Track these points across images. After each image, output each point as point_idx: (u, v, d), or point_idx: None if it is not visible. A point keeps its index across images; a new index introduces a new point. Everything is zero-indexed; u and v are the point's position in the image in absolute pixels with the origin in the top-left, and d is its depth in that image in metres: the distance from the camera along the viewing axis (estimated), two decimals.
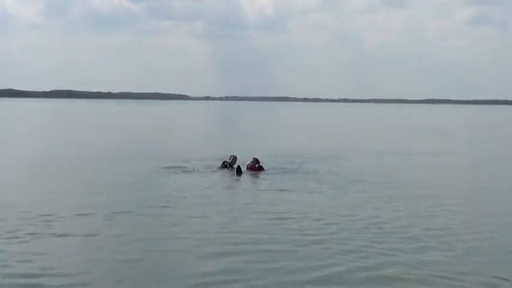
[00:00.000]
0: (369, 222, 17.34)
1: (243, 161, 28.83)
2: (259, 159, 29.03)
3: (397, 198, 21.92)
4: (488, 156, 42.49)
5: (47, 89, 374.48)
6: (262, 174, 27.83)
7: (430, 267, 12.87)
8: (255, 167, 28.61)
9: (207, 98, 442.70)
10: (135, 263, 13.21)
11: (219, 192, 23.63)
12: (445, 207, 20.04)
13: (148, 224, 17.10)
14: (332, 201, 21.02)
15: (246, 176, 27.40)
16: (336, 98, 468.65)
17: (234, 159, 29.09)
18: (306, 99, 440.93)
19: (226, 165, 28.88)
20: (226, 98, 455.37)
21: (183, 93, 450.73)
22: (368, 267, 12.77)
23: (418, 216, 18.41)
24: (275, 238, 15.22)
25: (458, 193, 24.65)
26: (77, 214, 17.80)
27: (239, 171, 27.89)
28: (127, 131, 66.07)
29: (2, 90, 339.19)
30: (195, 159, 32.28)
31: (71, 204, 19.32)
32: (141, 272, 12.58)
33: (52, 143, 49.16)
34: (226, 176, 27.68)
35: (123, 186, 24.49)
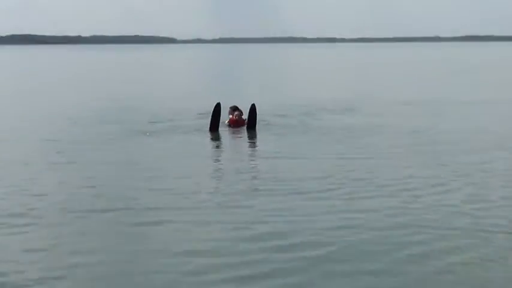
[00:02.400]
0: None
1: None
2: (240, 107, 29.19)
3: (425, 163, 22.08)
4: None
5: (3, 34, 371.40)
6: (261, 133, 27.54)
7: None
8: (239, 119, 28.65)
9: (197, 41, 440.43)
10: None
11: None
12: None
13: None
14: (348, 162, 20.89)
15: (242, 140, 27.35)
16: (350, 37, 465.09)
17: (235, 112, 29.12)
18: (316, 40, 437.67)
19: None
20: (221, 40, 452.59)
21: (168, 35, 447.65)
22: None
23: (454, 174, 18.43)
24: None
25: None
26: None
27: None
28: (101, 84, 65.39)
29: None
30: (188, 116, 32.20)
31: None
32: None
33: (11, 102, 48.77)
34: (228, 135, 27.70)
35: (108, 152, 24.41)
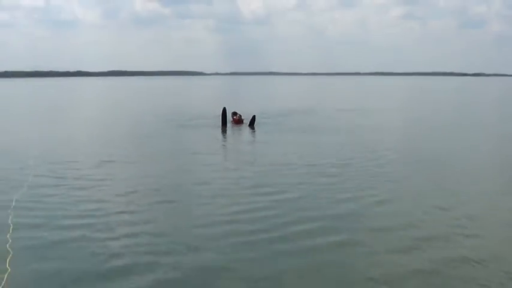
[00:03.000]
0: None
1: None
2: (241, 114, 28.64)
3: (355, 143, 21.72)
4: (415, 111, 42.04)
5: (105, 70, 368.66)
6: (257, 127, 26.91)
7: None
8: (240, 119, 28.13)
9: (217, 74, 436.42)
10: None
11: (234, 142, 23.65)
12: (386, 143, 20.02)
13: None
14: (312, 146, 20.83)
15: (246, 130, 26.82)
16: (308, 72, 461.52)
17: (240, 117, 28.50)
18: (287, 73, 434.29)
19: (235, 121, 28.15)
20: (231, 73, 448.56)
21: (199, 70, 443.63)
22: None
23: (371, 151, 18.34)
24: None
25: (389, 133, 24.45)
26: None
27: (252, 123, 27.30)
28: (157, 99, 64.84)
29: (73, 71, 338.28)
30: (212, 116, 31.28)
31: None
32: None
33: (110, 111, 48.19)
34: (234, 129, 27.08)
35: (155, 139, 24.04)
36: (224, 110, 27.84)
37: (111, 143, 21.41)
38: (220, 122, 27.54)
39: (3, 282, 7.32)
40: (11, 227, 9.68)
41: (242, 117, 28.31)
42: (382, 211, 11.20)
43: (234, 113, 28.94)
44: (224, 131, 26.27)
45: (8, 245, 8.70)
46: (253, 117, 27.81)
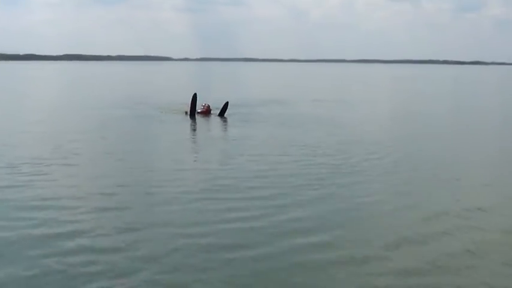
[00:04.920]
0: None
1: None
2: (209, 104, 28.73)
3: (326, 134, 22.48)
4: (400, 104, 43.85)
5: (60, 53, 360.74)
6: (229, 118, 27.19)
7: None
8: (208, 109, 28.19)
9: (186, 59, 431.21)
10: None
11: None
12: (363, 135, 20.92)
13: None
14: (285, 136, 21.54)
15: (216, 121, 27.23)
16: (287, 58, 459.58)
17: (208, 107, 28.46)
18: (264, 60, 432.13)
19: (198, 112, 28.08)
20: (202, 59, 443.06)
21: (166, 55, 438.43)
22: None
23: (356, 147, 18.92)
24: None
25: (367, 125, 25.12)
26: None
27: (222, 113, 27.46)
28: (124, 86, 65.24)
29: (24, 55, 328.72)
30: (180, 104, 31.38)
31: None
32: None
33: (65, 99, 48.49)
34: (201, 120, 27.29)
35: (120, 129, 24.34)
36: (194, 96, 27.41)
37: (58, 138, 20.85)
38: (189, 111, 27.34)
39: None
40: None
41: (210, 108, 28.29)
42: (374, 207, 11.41)
43: (203, 104, 28.87)
44: (193, 121, 26.30)
45: None
46: (226, 104, 27.70)
